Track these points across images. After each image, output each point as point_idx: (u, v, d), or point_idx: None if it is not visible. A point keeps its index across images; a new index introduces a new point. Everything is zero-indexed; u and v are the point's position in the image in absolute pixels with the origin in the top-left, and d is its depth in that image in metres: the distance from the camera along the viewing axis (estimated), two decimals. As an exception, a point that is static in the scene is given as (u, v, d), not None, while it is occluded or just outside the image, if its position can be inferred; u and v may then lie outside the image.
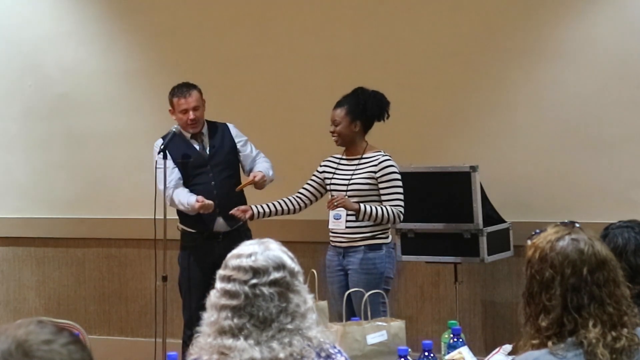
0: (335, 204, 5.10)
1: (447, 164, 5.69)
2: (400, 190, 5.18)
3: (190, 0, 6.63)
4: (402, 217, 5.17)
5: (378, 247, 5.20)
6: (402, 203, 5.16)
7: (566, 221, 2.55)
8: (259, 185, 5.55)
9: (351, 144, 5.30)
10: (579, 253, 2.41)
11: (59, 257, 7.04)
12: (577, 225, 2.51)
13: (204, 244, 5.59)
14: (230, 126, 5.77)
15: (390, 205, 5.15)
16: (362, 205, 5.12)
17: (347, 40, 6.24)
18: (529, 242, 2.52)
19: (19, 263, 7.16)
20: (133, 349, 6.64)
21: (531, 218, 5.65)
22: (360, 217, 5.13)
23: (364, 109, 5.24)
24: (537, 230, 2.54)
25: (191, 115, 5.55)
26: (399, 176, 5.20)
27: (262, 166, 5.68)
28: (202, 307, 2.60)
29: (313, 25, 6.34)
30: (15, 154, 7.11)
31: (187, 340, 5.61)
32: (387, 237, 5.23)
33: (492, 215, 5.71)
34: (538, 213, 5.71)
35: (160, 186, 5.54)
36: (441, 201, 5.64)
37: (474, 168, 5.54)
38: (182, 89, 5.61)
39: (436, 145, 6.05)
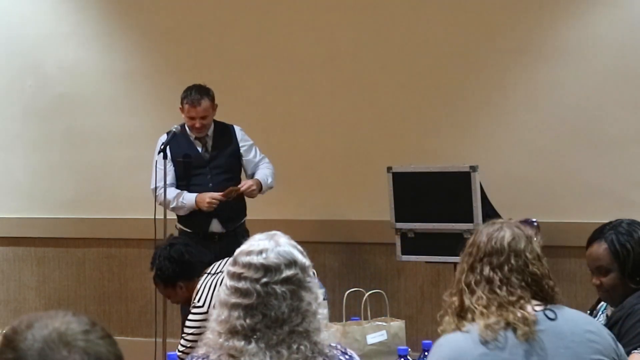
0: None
1: (447, 164, 5.69)
2: None
3: (191, 0, 6.63)
4: None
5: None
6: None
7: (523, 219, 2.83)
8: (248, 195, 5.50)
9: None
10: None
11: (59, 257, 7.04)
12: (534, 222, 2.79)
13: (200, 244, 5.58)
14: (237, 129, 5.73)
15: None
16: None
17: (347, 40, 6.24)
18: None
19: (19, 263, 7.15)
20: (133, 349, 6.58)
21: (531, 218, 5.64)
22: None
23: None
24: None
25: (197, 124, 5.52)
26: None
27: (262, 173, 5.63)
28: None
29: (313, 26, 6.33)
30: (15, 154, 7.11)
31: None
32: None
33: (492, 215, 5.69)
34: (538, 213, 5.69)
35: (160, 184, 5.53)
36: (441, 201, 5.63)
37: (474, 168, 5.53)
38: (194, 96, 5.50)
39: (436, 145, 6.04)
